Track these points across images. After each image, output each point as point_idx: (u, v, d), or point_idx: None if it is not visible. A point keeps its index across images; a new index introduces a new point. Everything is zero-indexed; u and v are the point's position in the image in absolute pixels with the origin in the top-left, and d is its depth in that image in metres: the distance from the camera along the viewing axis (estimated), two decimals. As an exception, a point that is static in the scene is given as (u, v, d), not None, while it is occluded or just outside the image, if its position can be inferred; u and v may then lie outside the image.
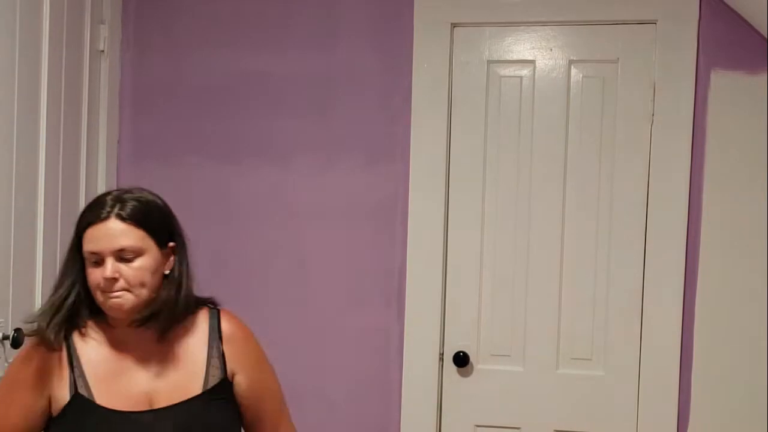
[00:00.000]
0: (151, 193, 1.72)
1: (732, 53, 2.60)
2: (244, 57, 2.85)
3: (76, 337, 1.62)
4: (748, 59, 2.60)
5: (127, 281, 1.57)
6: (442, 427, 2.78)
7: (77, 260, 1.62)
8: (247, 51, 2.85)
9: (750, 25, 2.59)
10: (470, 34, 2.75)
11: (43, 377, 1.59)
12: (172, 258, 1.68)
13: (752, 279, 2.61)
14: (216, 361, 1.67)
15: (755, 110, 2.60)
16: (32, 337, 1.61)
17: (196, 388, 1.63)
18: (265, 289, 2.85)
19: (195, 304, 1.72)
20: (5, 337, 2.23)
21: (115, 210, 1.61)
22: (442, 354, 2.77)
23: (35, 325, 1.59)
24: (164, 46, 2.89)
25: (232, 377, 1.68)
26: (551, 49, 2.72)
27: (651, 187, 2.65)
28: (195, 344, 1.67)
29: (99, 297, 1.59)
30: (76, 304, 1.62)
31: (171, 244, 1.68)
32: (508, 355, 2.75)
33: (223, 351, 1.68)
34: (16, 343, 2.24)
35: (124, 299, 1.57)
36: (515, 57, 2.74)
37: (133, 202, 1.63)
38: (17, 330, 2.25)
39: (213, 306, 1.76)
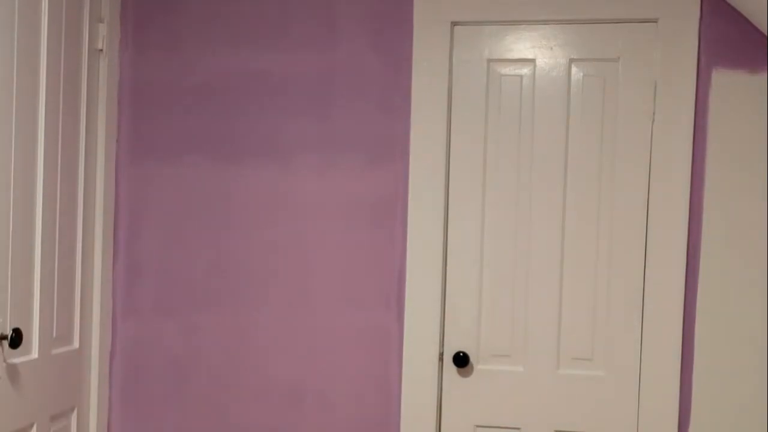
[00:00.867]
0: None
1: (733, 52, 2.60)
2: (243, 56, 2.84)
3: None
4: (750, 58, 2.59)
5: None
6: (442, 428, 2.77)
7: None
8: (247, 50, 2.84)
9: (751, 24, 2.58)
10: (470, 32, 2.75)
11: None
12: None
13: (753, 279, 2.60)
14: None
15: (756, 109, 2.59)
16: None
17: None
18: (264, 289, 2.85)
19: None
20: (3, 337, 2.22)
21: None
22: (442, 354, 2.77)
23: None
24: (163, 45, 2.88)
25: None
26: (552, 48, 2.71)
27: (651, 186, 2.65)
28: None
29: None
30: None
31: None
32: (508, 355, 2.75)
33: None
34: (14, 343, 2.24)
35: None
36: (515, 56, 2.73)
37: None
38: (15, 330, 2.24)
39: None
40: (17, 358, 2.31)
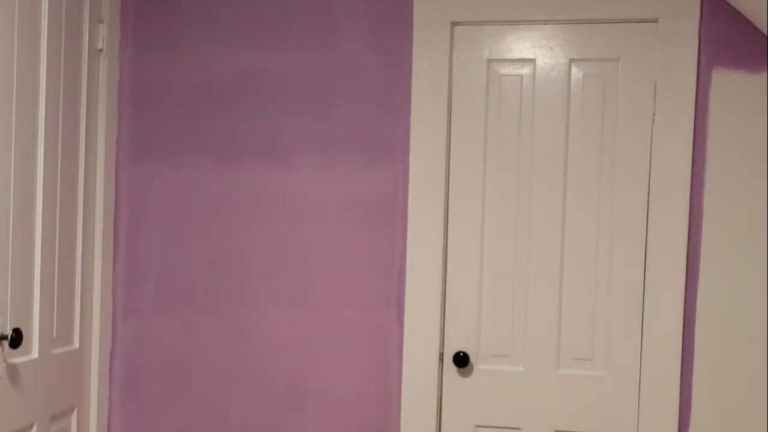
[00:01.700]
0: None
1: (733, 52, 2.60)
2: (243, 56, 2.84)
3: None
4: (750, 58, 2.59)
5: None
6: (442, 427, 2.77)
7: None
8: (247, 50, 2.84)
9: (751, 24, 2.58)
10: (470, 32, 2.75)
11: None
12: None
13: (753, 279, 2.60)
14: None
15: (756, 109, 2.59)
16: None
17: None
18: (264, 288, 2.85)
19: None
20: (3, 337, 2.22)
21: None
22: (442, 354, 2.77)
23: None
24: (163, 45, 2.88)
25: None
26: (552, 48, 2.71)
27: (651, 186, 2.65)
28: None
29: None
30: None
31: None
32: (508, 355, 2.75)
33: None
34: (14, 343, 2.24)
35: None
36: (515, 56, 2.73)
37: None
38: (15, 330, 2.24)
39: None
40: (17, 358, 2.31)
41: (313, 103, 2.82)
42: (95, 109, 2.75)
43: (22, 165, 2.32)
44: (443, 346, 2.77)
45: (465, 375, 2.77)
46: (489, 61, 2.74)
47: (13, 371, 2.29)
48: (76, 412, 2.69)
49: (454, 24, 2.74)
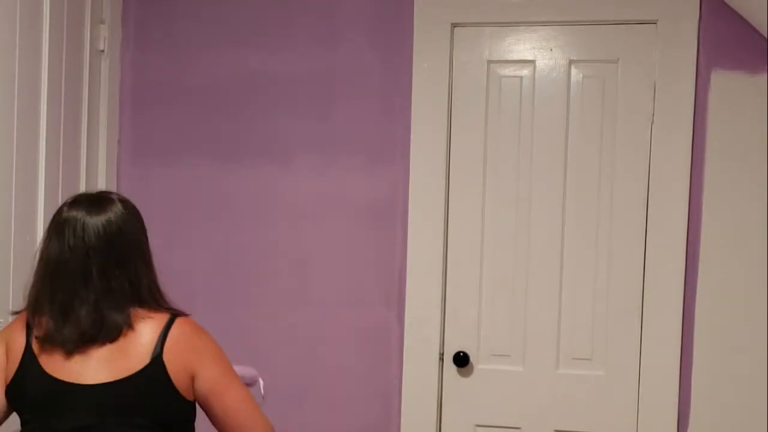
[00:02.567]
0: None
1: (732, 53, 2.60)
2: (244, 57, 2.85)
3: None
4: (749, 59, 2.60)
5: None
6: (442, 427, 2.78)
7: None
8: (248, 51, 2.85)
9: (750, 25, 2.59)
10: (470, 34, 2.75)
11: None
12: None
13: (752, 279, 2.61)
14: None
15: (756, 109, 2.59)
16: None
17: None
18: (265, 288, 2.85)
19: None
20: (5, 337, 2.22)
21: None
22: (442, 354, 2.77)
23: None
24: (164, 45, 2.89)
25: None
26: (551, 49, 2.72)
27: (651, 187, 2.65)
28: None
29: None
30: None
31: None
32: (508, 355, 2.75)
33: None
34: (15, 343, 2.23)
35: None
36: (515, 57, 2.74)
37: None
38: (17, 330, 2.24)
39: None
40: (19, 357, 2.31)
41: (313, 104, 2.83)
42: (96, 110, 2.75)
43: (24, 165, 2.32)
44: (443, 346, 2.78)
45: (465, 375, 2.77)
46: (489, 62, 2.75)
47: (14, 371, 2.29)
48: (76, 411, 2.68)
49: (454, 25, 2.75)
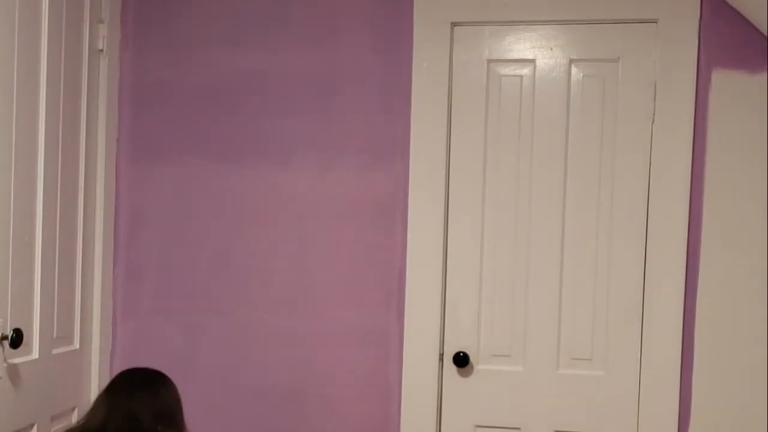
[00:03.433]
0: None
1: (733, 52, 2.60)
2: (243, 56, 2.84)
3: None
4: (749, 58, 2.59)
5: None
6: (442, 427, 2.77)
7: None
8: (247, 50, 2.84)
9: (751, 24, 2.58)
10: (470, 33, 2.75)
11: None
12: None
13: (753, 279, 2.60)
14: None
15: (756, 109, 2.59)
16: None
17: None
18: (264, 288, 2.85)
19: None
20: (4, 337, 2.22)
21: None
22: (442, 354, 2.77)
23: None
24: (163, 45, 2.88)
25: None
26: (552, 48, 2.71)
27: (651, 186, 2.65)
28: None
29: None
30: None
31: None
32: (508, 355, 2.75)
33: None
34: (15, 344, 2.24)
35: None
36: (515, 56, 2.73)
37: None
38: (16, 330, 2.24)
39: None
40: (18, 358, 2.31)
41: (313, 103, 2.82)
42: (95, 109, 2.75)
43: (23, 165, 2.32)
44: (443, 346, 2.77)
45: (465, 375, 2.77)
46: (489, 61, 2.74)
47: (13, 371, 2.29)
48: (76, 412, 2.68)
49: (454, 24, 2.74)
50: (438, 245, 2.74)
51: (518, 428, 2.74)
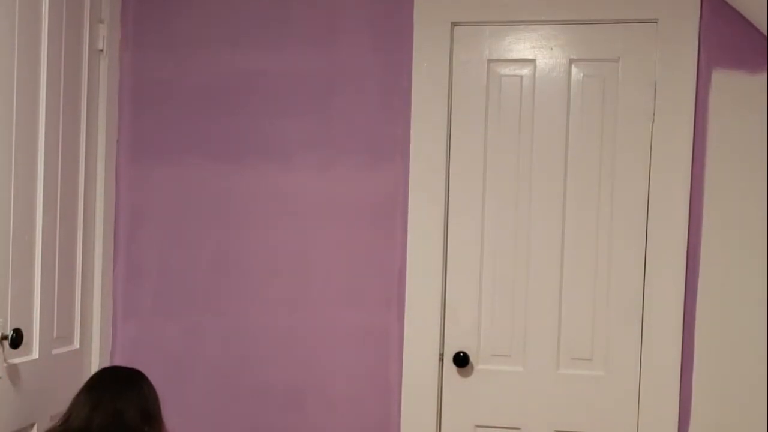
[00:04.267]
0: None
1: (733, 52, 2.60)
2: (243, 56, 2.84)
3: None
4: (750, 58, 2.59)
5: None
6: (442, 427, 2.77)
7: None
8: (247, 50, 2.84)
9: (751, 24, 2.58)
10: (470, 33, 2.75)
11: None
12: None
13: (753, 279, 2.60)
14: None
15: (756, 109, 2.59)
16: None
17: None
18: (264, 288, 2.85)
19: None
20: (4, 337, 2.22)
21: None
22: (442, 354, 2.77)
23: None
24: (163, 45, 2.88)
25: None
26: (552, 48, 2.71)
27: (651, 186, 2.65)
28: None
29: None
30: None
31: None
32: (508, 355, 2.75)
33: None
34: (15, 344, 2.24)
35: None
36: (515, 56, 2.73)
37: None
38: (16, 330, 2.24)
39: None
40: (18, 358, 2.31)
41: (313, 103, 2.82)
42: (95, 109, 2.75)
43: (23, 165, 2.32)
44: (443, 346, 2.77)
45: (465, 375, 2.77)
46: (489, 61, 2.74)
47: (13, 371, 2.29)
48: (76, 412, 2.68)
49: (454, 24, 2.74)
50: (438, 245, 2.74)
51: (518, 428, 2.74)
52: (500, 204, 2.74)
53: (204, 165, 2.87)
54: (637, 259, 2.66)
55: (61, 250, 2.54)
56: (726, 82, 2.60)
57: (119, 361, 2.90)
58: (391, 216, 2.78)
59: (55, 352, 2.52)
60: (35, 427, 2.43)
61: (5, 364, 2.24)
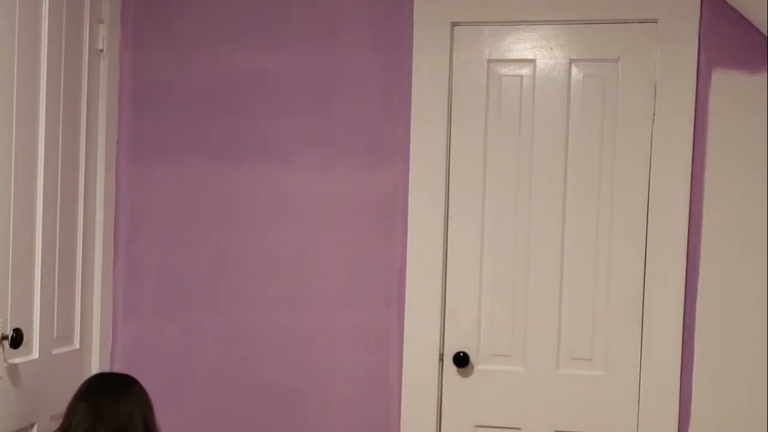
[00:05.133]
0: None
1: (733, 52, 2.60)
2: (243, 56, 2.84)
3: None
4: (749, 58, 2.59)
5: None
6: (442, 427, 2.77)
7: None
8: (247, 50, 2.84)
9: (751, 24, 2.58)
10: (470, 33, 2.75)
11: None
12: None
13: (753, 279, 2.60)
14: None
15: (756, 109, 2.59)
16: None
17: None
18: (264, 288, 2.85)
19: None
20: (4, 337, 2.22)
21: None
22: (442, 354, 2.77)
23: None
24: (163, 45, 2.88)
25: None
26: (552, 48, 2.71)
27: (651, 186, 2.65)
28: None
29: None
30: None
31: None
32: (508, 355, 2.75)
33: None
34: (15, 343, 2.24)
35: None
36: (515, 56, 2.73)
37: None
38: (16, 330, 2.24)
39: None
40: (18, 358, 2.31)
41: (313, 103, 2.82)
42: (95, 109, 2.75)
43: (23, 165, 2.32)
44: (443, 346, 2.77)
45: (465, 375, 2.77)
46: (489, 61, 2.74)
47: (13, 371, 2.29)
48: (76, 412, 2.68)
49: (454, 24, 2.74)
50: (438, 245, 2.74)
51: (518, 428, 2.74)
52: (500, 204, 2.74)
53: (204, 165, 2.87)
54: (637, 259, 2.66)
55: (61, 250, 2.54)
56: (726, 82, 2.60)
57: (119, 361, 2.91)
58: (391, 216, 2.78)
59: (55, 352, 2.52)
60: (35, 427, 2.43)
61: (5, 364, 2.24)
